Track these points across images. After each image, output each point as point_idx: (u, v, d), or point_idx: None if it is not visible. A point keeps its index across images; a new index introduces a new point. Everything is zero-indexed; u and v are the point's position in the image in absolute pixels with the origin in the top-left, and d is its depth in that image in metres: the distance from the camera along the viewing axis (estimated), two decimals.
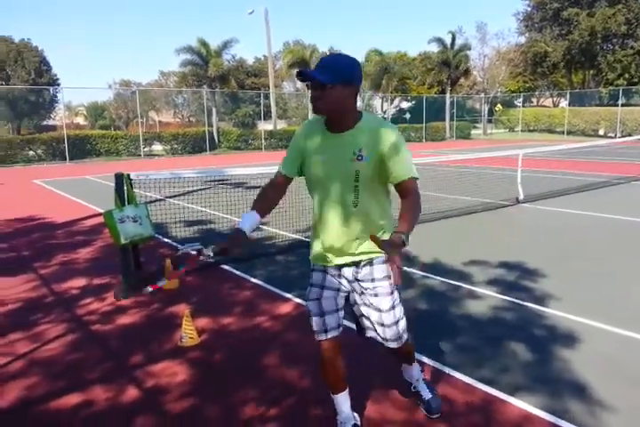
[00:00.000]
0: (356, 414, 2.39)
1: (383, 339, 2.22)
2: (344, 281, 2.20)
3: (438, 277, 4.67)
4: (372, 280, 2.15)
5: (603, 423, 2.43)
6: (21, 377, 2.97)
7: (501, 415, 2.51)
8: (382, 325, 2.18)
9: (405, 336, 2.26)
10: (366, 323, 2.24)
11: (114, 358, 3.25)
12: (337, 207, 2.08)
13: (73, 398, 2.74)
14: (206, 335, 3.53)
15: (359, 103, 39.65)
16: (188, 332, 3.36)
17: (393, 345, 2.23)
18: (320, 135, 2.08)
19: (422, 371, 2.64)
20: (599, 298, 4.12)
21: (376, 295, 2.15)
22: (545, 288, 4.33)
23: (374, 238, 1.70)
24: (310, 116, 28.84)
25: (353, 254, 2.14)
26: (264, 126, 29.35)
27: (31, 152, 21.02)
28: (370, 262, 2.15)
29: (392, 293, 2.16)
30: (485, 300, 4.11)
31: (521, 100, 39.78)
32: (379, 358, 2.99)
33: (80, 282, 4.76)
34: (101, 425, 2.52)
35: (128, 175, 4.56)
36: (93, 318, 3.88)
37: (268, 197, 2.22)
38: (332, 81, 1.91)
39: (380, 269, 2.15)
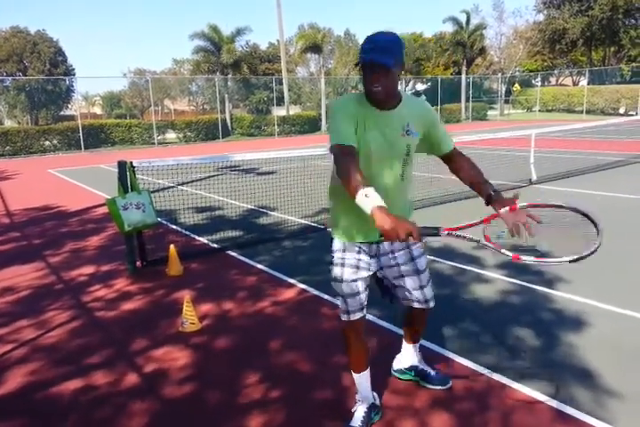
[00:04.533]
0: (375, 394, 2.43)
1: (425, 301, 2.35)
2: (375, 259, 2.25)
3: (446, 261, 4.60)
4: (408, 246, 2.28)
5: (608, 409, 2.37)
6: (24, 363, 3.01)
7: (505, 401, 2.47)
8: (422, 287, 2.32)
9: (433, 299, 2.41)
10: (404, 294, 2.35)
11: (116, 343, 3.27)
12: (389, 181, 2.14)
13: (74, 384, 2.76)
14: (208, 321, 3.53)
15: None
16: (189, 317, 3.36)
17: (432, 304, 2.39)
18: (369, 112, 2.06)
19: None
20: (612, 281, 4.01)
21: (413, 259, 2.29)
22: (556, 271, 4.23)
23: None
24: (324, 100, 28.56)
25: None
26: (278, 112, 29.18)
27: (47, 142, 21.23)
28: None
29: (424, 253, 2.34)
30: (493, 283, 4.04)
31: (539, 79, 38.88)
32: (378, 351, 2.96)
33: (88, 269, 4.80)
34: (101, 410, 2.53)
35: (131, 163, 4.55)
36: (98, 305, 3.91)
37: (359, 170, 1.90)
38: (395, 64, 1.94)
39: None
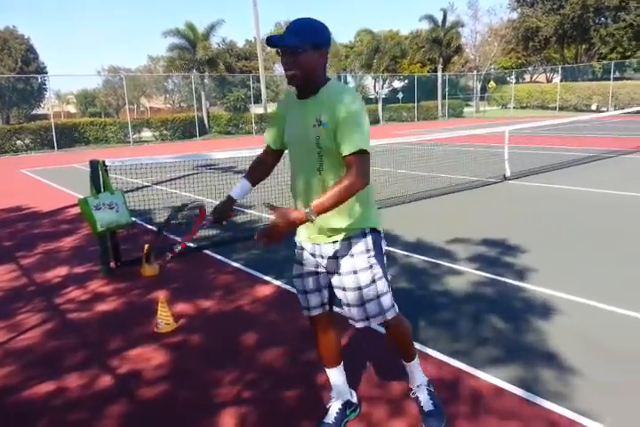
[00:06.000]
0: (353, 392, 2.41)
1: (354, 319, 2.14)
2: (319, 259, 2.14)
3: (418, 256, 4.67)
4: (336, 258, 2.08)
5: (573, 397, 2.44)
6: None
7: (471, 390, 2.52)
8: (348, 305, 2.12)
9: (375, 318, 2.13)
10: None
11: (89, 345, 3.24)
12: (305, 175, 2.05)
13: (46, 387, 2.74)
14: (184, 320, 3.53)
15: (352, 83, 38.56)
16: (164, 317, 3.35)
17: (362, 324, 2.13)
18: (293, 103, 2.08)
19: (430, 379, 2.43)
20: (581, 274, 4.12)
21: (339, 273, 2.09)
22: (526, 264, 4.33)
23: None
24: None
25: (322, 229, 2.06)
26: (255, 110, 29.07)
27: (19, 142, 20.80)
28: (337, 241, 2.07)
29: (357, 271, 2.06)
30: (464, 276, 4.12)
31: (513, 76, 39.44)
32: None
33: (61, 271, 4.74)
34: (74, 413, 2.52)
35: (103, 162, 4.51)
36: (72, 307, 3.87)
37: (256, 167, 2.32)
38: (302, 45, 1.88)
39: (344, 246, 2.06)
